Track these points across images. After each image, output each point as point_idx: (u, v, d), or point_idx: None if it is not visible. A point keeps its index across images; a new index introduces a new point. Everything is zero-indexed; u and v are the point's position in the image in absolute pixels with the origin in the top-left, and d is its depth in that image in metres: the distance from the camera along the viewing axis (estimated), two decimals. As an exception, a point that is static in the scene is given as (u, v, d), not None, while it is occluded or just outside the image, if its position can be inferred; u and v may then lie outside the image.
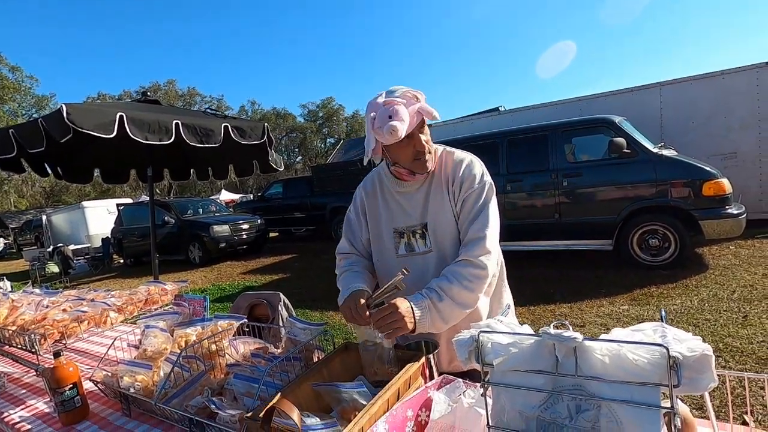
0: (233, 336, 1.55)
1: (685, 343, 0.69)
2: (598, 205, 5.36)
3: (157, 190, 34.77)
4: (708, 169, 4.92)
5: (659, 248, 5.10)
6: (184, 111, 3.64)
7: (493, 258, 1.26)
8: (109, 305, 1.85)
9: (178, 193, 37.76)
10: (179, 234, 9.93)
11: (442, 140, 7.16)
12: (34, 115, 31.92)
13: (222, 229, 9.65)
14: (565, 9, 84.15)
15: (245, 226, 10.22)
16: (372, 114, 1.18)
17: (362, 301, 1.20)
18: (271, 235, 13.32)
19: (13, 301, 2.04)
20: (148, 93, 3.63)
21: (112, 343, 1.57)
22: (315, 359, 1.36)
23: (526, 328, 0.85)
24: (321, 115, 51.97)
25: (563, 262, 5.83)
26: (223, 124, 2.75)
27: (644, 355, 0.68)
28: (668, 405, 0.66)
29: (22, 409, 1.48)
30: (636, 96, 7.68)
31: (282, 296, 2.86)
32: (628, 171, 5.17)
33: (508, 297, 1.52)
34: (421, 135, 1.23)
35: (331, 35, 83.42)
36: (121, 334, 1.77)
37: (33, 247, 15.06)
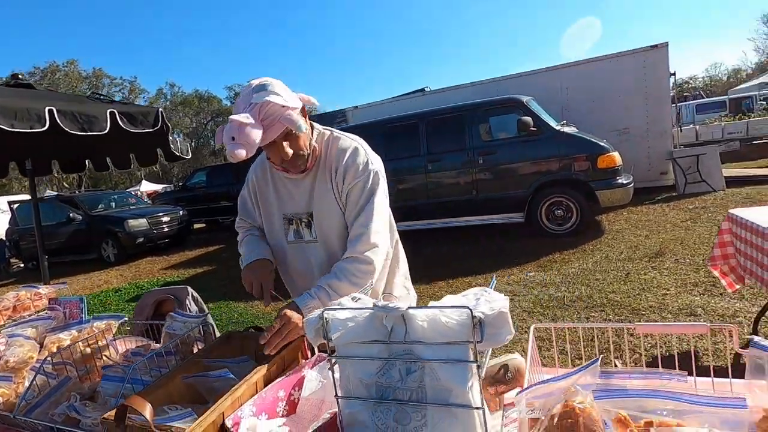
0: (112, 337, 1.47)
1: (490, 304, 0.77)
2: (510, 180, 5.73)
3: (65, 184, 31.30)
4: (602, 144, 5.44)
5: (563, 218, 5.59)
6: (64, 96, 3.29)
7: (381, 251, 1.27)
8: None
9: (90, 187, 34.31)
10: (88, 231, 9.08)
11: (368, 122, 7.19)
12: None
13: (138, 223, 8.96)
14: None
15: (165, 219, 9.58)
16: (219, 130, 1.11)
17: (272, 291, 1.25)
18: (197, 226, 12.64)
19: None
20: (24, 76, 3.21)
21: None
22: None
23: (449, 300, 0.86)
24: (249, 97, 49.31)
25: (481, 236, 6.17)
26: (109, 110, 2.53)
27: (454, 317, 0.75)
28: (500, 358, 0.74)
29: None
30: (546, 76, 8.20)
31: (190, 290, 2.74)
32: (535, 148, 5.56)
33: (403, 267, 1.54)
34: (285, 143, 1.18)
35: (256, 13, 78.97)
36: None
37: None
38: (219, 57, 75.42)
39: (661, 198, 7.13)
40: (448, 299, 0.86)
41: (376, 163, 1.31)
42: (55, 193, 21.37)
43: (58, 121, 2.37)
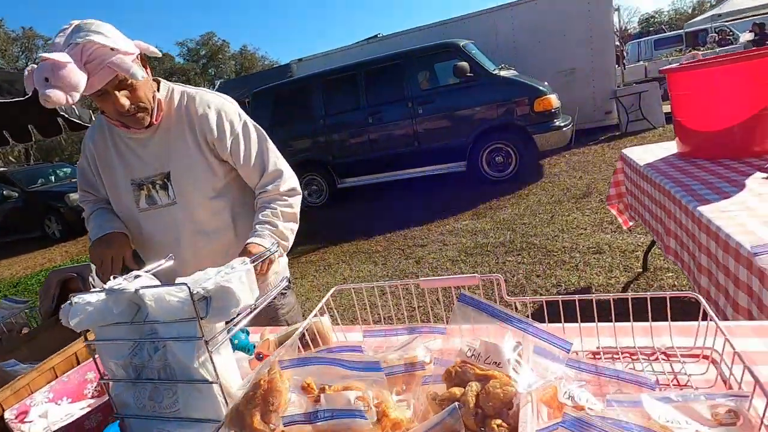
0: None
1: (223, 278, 0.74)
2: (450, 129, 5.67)
3: (11, 158, 29.28)
4: (539, 87, 5.39)
5: (504, 164, 5.63)
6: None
7: (292, 175, 1.32)
8: None
9: (39, 159, 32.26)
10: (26, 208, 8.62)
11: (306, 75, 6.86)
12: None
13: (80, 197, 8.55)
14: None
15: (111, 190, 9.16)
16: (29, 69, 0.97)
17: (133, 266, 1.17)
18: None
19: None
20: None
21: None
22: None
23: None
24: (203, 53, 46.34)
25: (424, 188, 6.17)
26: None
27: (179, 295, 0.72)
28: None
29: None
30: (494, 17, 7.93)
31: (93, 267, 2.66)
32: (473, 94, 5.47)
33: None
34: (119, 93, 1.07)
35: (200, -44, 72.06)
36: None
37: None
38: (166, 11, 69.49)
39: (604, 138, 7.25)
40: (211, 271, 0.83)
41: (245, 114, 1.30)
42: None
43: None
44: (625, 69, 10.10)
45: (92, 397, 1.05)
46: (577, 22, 7.34)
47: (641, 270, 2.65)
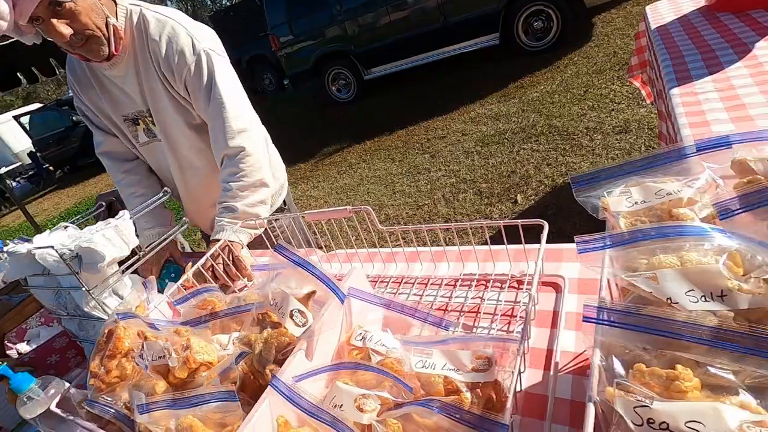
0: None
1: (82, 239, 0.83)
2: (478, -4, 4.91)
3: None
4: None
5: (544, 30, 4.89)
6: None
7: (252, 134, 1.14)
8: None
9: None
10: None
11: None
12: None
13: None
14: None
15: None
16: None
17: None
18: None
19: None
20: None
21: None
22: None
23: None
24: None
25: (454, 68, 5.65)
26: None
27: (54, 254, 0.82)
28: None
29: None
30: None
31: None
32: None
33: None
34: (56, 21, 0.95)
35: None
36: None
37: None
38: None
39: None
40: (88, 230, 0.91)
41: (205, 40, 1.11)
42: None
43: None
44: None
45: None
46: None
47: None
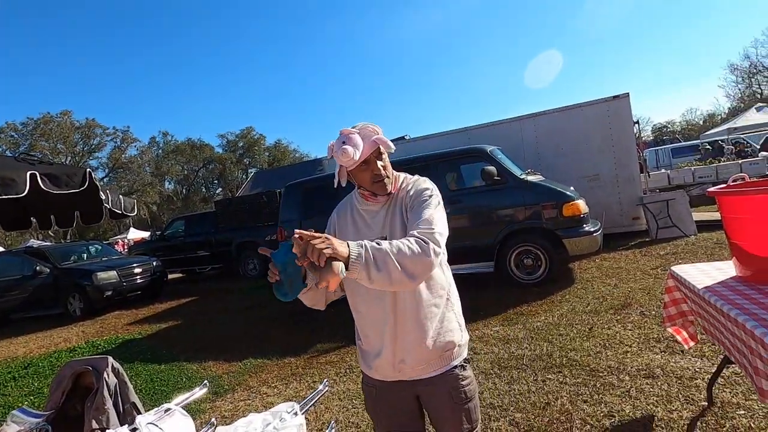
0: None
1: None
2: (478, 230, 5.67)
3: (50, 232, 30.90)
4: (567, 192, 5.45)
5: (533, 267, 5.49)
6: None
7: (442, 245, 1.27)
8: None
9: (76, 235, 33.84)
10: (55, 284, 8.76)
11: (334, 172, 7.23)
12: None
13: (107, 276, 8.68)
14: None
15: (138, 270, 9.31)
16: (331, 144, 1.39)
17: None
18: (175, 276, 12.33)
19: None
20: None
21: None
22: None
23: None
24: (241, 145, 50.45)
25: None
26: (30, 172, 2.46)
27: None
28: None
29: None
30: (516, 126, 8.41)
31: (110, 361, 2.55)
32: (500, 197, 5.56)
33: (457, 303, 1.53)
34: (378, 161, 1.40)
35: (254, 65, 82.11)
36: None
37: None
38: (213, 105, 77.53)
39: (635, 243, 7.10)
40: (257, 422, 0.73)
41: (437, 192, 1.47)
42: (39, 242, 20.93)
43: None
44: (649, 176, 10.26)
45: None
46: (600, 132, 7.69)
47: (706, 404, 2.34)
